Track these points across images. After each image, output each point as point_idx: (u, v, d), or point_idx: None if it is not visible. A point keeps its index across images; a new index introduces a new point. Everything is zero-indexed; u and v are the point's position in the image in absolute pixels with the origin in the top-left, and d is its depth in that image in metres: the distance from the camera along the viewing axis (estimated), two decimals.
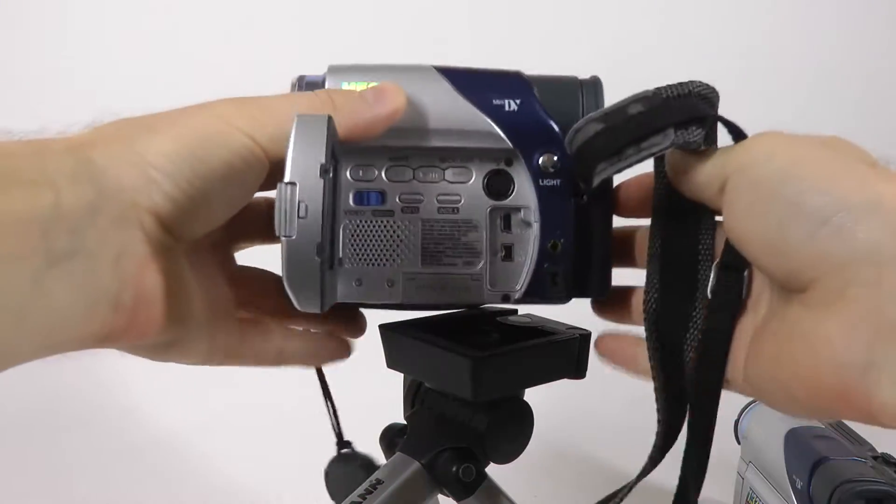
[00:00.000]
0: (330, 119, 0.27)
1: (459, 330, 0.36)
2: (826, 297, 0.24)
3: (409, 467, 0.37)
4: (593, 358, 0.36)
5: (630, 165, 0.30)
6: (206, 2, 1.10)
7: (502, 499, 0.40)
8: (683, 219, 0.32)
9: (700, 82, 0.30)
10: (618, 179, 0.33)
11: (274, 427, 0.85)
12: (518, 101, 0.33)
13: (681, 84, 0.29)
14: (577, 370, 0.36)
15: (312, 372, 0.40)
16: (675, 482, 0.32)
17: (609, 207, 0.35)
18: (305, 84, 0.34)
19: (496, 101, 0.33)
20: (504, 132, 0.33)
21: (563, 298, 0.34)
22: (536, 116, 0.33)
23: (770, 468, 0.59)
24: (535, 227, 0.34)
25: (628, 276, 0.36)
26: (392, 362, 0.37)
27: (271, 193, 0.27)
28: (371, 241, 0.34)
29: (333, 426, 0.43)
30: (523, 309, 0.40)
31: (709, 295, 0.31)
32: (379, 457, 0.42)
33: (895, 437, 0.43)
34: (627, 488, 0.32)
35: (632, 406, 0.71)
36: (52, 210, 0.23)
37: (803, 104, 1.03)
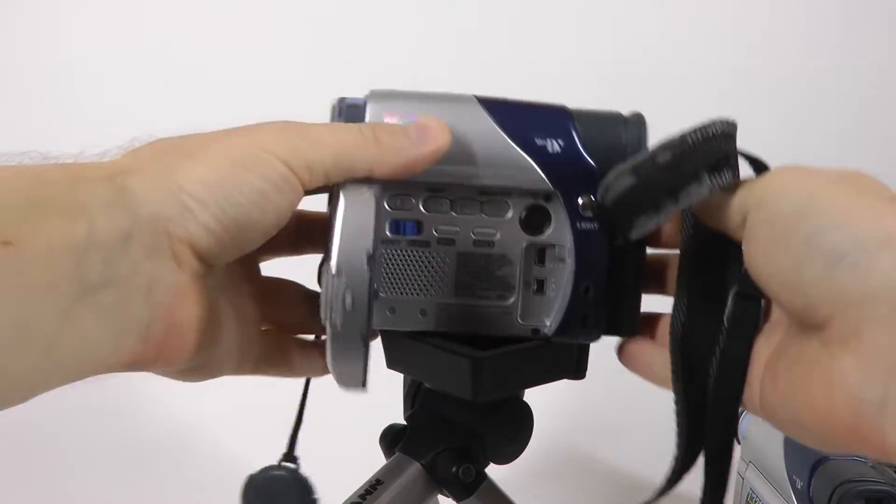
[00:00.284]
0: (378, 200, 0.27)
1: None
2: (842, 334, 0.24)
3: (409, 467, 0.37)
4: (593, 358, 0.36)
5: (669, 217, 0.30)
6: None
7: (502, 499, 0.40)
8: (711, 249, 0.32)
9: (721, 121, 0.29)
10: None
11: (273, 428, 0.85)
12: (561, 143, 0.32)
13: (704, 127, 0.29)
14: (577, 371, 0.36)
15: None
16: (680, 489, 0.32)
17: (644, 250, 0.34)
18: (346, 106, 0.32)
19: (539, 142, 0.32)
20: (545, 173, 0.32)
21: (594, 338, 0.34)
22: (579, 159, 0.32)
23: (770, 468, 0.59)
24: (570, 262, 0.33)
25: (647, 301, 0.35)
26: (392, 362, 0.37)
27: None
28: (406, 271, 0.34)
29: (290, 437, 0.39)
30: None
31: (725, 322, 0.31)
32: (379, 457, 0.42)
33: None
34: None
35: (632, 405, 0.71)
36: (86, 239, 0.23)
37: (803, 104, 1.03)
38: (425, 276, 0.34)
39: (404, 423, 0.41)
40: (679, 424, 0.31)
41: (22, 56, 1.06)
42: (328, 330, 0.26)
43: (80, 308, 0.23)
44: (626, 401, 0.68)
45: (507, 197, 0.33)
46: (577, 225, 0.33)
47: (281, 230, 0.35)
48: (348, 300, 0.26)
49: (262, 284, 0.35)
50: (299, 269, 0.37)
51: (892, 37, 1.03)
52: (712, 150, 0.29)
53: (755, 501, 0.60)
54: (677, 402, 0.31)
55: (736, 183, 0.29)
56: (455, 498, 0.37)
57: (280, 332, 0.35)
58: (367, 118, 0.32)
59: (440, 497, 0.39)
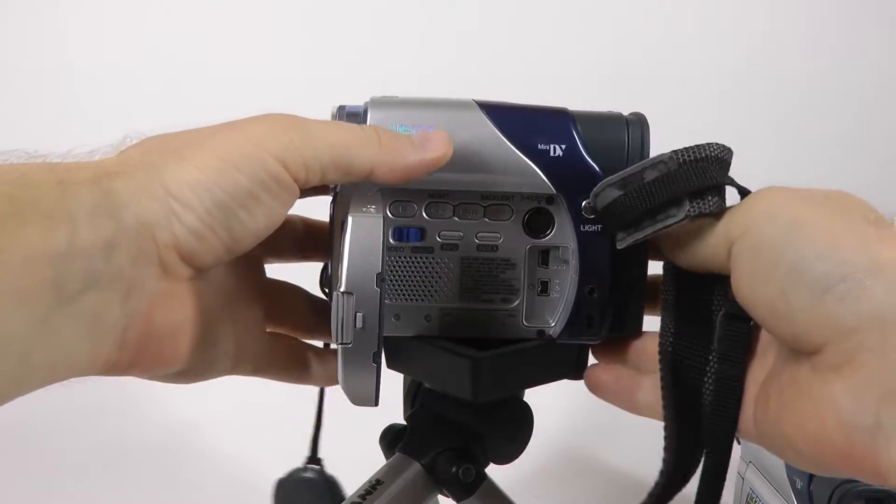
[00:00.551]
0: (385, 221, 0.27)
1: None
2: (834, 360, 0.24)
3: (409, 468, 0.37)
4: (593, 358, 0.36)
5: (647, 237, 0.30)
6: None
7: (502, 499, 0.40)
8: (694, 274, 0.31)
9: (716, 144, 0.29)
10: None
11: (274, 427, 0.85)
12: (563, 147, 0.32)
13: (698, 147, 0.29)
14: (577, 371, 0.36)
15: None
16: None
17: (647, 251, 0.34)
18: (346, 115, 0.33)
19: (541, 146, 0.32)
20: (547, 177, 0.32)
21: (599, 337, 0.34)
22: (581, 161, 0.32)
23: (770, 468, 0.59)
24: (573, 263, 0.34)
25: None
26: (392, 362, 0.37)
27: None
28: (410, 277, 0.34)
29: (312, 439, 0.40)
30: None
31: (715, 343, 0.30)
32: (379, 457, 0.42)
33: None
34: None
35: None
36: (67, 247, 0.22)
37: (803, 104, 1.03)
38: (429, 282, 0.34)
39: (404, 423, 0.41)
40: (668, 450, 0.31)
41: (22, 56, 1.06)
42: (339, 350, 0.27)
43: (58, 315, 0.22)
44: None
45: (509, 201, 0.34)
46: (581, 227, 0.33)
47: (288, 235, 0.34)
48: (359, 321, 0.26)
49: (267, 285, 0.35)
50: (299, 269, 0.37)
51: (892, 37, 1.03)
52: (700, 173, 0.28)
53: (755, 501, 0.60)
54: (667, 426, 0.31)
55: (722, 211, 0.29)
56: (455, 498, 0.37)
57: (293, 337, 0.35)
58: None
59: (440, 497, 0.39)
